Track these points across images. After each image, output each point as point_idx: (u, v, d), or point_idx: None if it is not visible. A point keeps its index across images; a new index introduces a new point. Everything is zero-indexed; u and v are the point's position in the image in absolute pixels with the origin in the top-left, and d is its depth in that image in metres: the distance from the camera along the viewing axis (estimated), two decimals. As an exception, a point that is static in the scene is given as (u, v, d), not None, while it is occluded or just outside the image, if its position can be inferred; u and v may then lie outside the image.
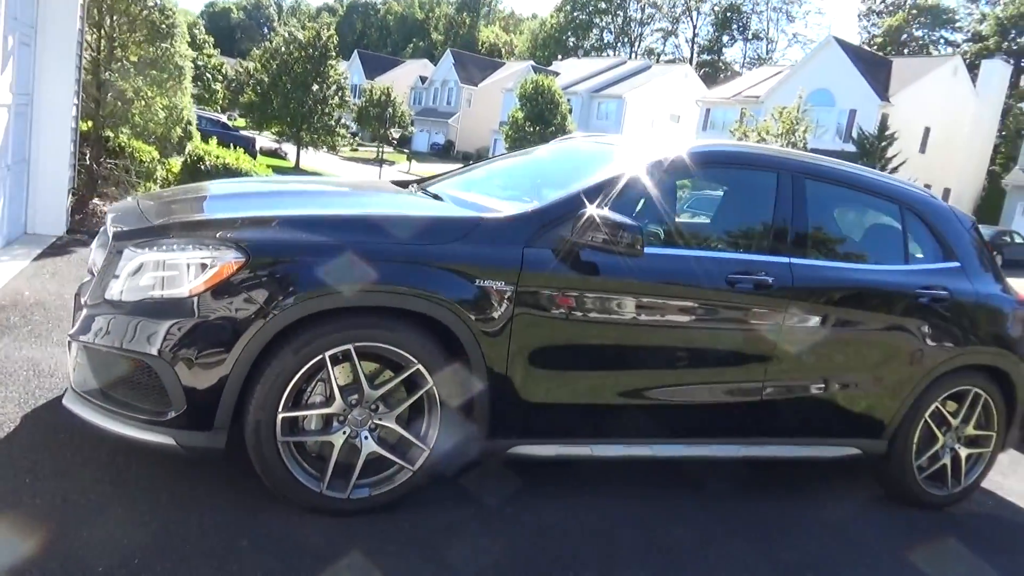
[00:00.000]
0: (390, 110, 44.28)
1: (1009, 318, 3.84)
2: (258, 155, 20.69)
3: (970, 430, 3.81)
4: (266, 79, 28.86)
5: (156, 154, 8.79)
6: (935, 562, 3.24)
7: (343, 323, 2.58)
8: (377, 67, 66.70)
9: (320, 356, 2.56)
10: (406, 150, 45.85)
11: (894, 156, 31.24)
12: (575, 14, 78.21)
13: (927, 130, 36.04)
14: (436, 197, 3.48)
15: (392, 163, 41.16)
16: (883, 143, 31.86)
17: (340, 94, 29.74)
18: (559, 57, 68.44)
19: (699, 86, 49.69)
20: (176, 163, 8.69)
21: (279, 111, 28.34)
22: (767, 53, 72.54)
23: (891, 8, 60.22)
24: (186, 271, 2.52)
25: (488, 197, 3.44)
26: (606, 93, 50.33)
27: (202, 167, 7.81)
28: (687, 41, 77.09)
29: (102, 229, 3.18)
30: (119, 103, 7.77)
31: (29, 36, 6.23)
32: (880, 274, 3.55)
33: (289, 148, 31.81)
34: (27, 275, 5.28)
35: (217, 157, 7.89)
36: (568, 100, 42.39)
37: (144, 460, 2.84)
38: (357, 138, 39.05)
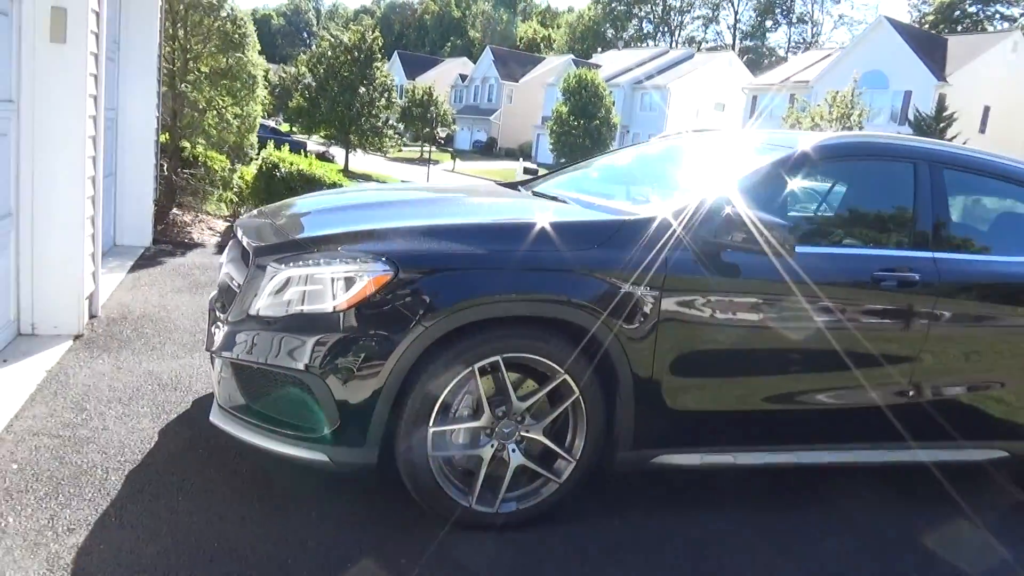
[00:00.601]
0: (432, 109, 44.47)
1: None
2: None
3: (1121, 428, 3.59)
4: (314, 84, 29.18)
5: (228, 163, 8.90)
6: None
7: (491, 334, 2.52)
8: (417, 67, 67.10)
9: (469, 368, 2.50)
10: (450, 148, 46.00)
11: (954, 137, 30.22)
12: (613, 5, 77.59)
13: (987, 109, 34.81)
14: (554, 199, 3.40)
15: (437, 162, 41.36)
16: (941, 124, 30.87)
17: (387, 95, 29.92)
18: (599, 49, 67.92)
19: (744, 73, 48.82)
20: (249, 171, 8.78)
21: (327, 115, 28.65)
22: (812, 37, 70.93)
23: (942, -15, 58.30)
24: (333, 285, 2.48)
25: (609, 198, 3.35)
26: (649, 84, 49.73)
27: (277, 174, 7.87)
28: (729, 28, 75.89)
29: (231, 243, 3.18)
30: (194, 114, 7.87)
31: (114, 51, 6.33)
32: (1027, 266, 3.36)
33: (336, 151, 32.15)
34: (126, 287, 5.36)
35: (291, 164, 7.95)
36: (611, 92, 42.04)
37: (285, 475, 2.82)
38: (404, 138, 39.27)
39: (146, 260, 6.33)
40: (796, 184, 3.15)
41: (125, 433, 3.04)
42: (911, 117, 32.10)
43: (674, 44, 72.09)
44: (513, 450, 2.64)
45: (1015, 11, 55.20)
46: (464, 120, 58.11)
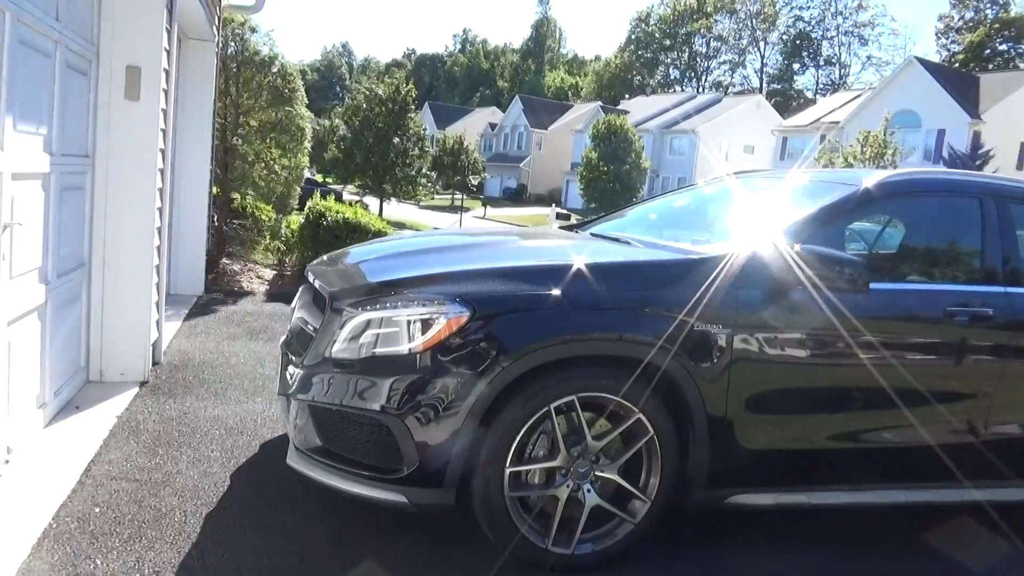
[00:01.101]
0: (463, 157, 45.19)
1: None
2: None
3: None
4: (349, 135, 29.91)
5: (274, 213, 9.11)
6: None
7: (567, 374, 2.54)
8: (447, 117, 68.49)
9: (546, 408, 2.52)
10: (481, 196, 46.58)
11: (994, 172, 29.87)
12: (639, 52, 78.73)
13: (1023, 145, 34.39)
14: (615, 240, 3.43)
15: (468, 209, 41.86)
16: (977, 161, 30.55)
17: (419, 145, 30.55)
18: (626, 96, 68.76)
19: (772, 115, 48.99)
20: (295, 220, 8.98)
21: (363, 164, 29.28)
22: (840, 78, 71.09)
23: (971, 24, 58.34)
24: (411, 328, 2.52)
25: (669, 239, 3.38)
26: (678, 128, 50.13)
27: (324, 223, 8.04)
28: (755, 71, 76.46)
29: (303, 288, 3.26)
30: (244, 166, 8.11)
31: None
32: (1100, 299, 3.30)
33: (369, 199, 32.78)
34: (184, 335, 5.48)
35: (337, 212, 8.12)
36: (640, 137, 42.40)
37: (357, 516, 2.83)
38: (436, 186, 39.89)
39: (200, 308, 6.47)
40: (862, 221, 3.15)
41: (198, 477, 3.09)
42: (945, 155, 31.84)
43: (701, 89, 72.75)
44: (588, 490, 2.63)
45: (1047, 48, 54.89)
46: (494, 168, 58.90)
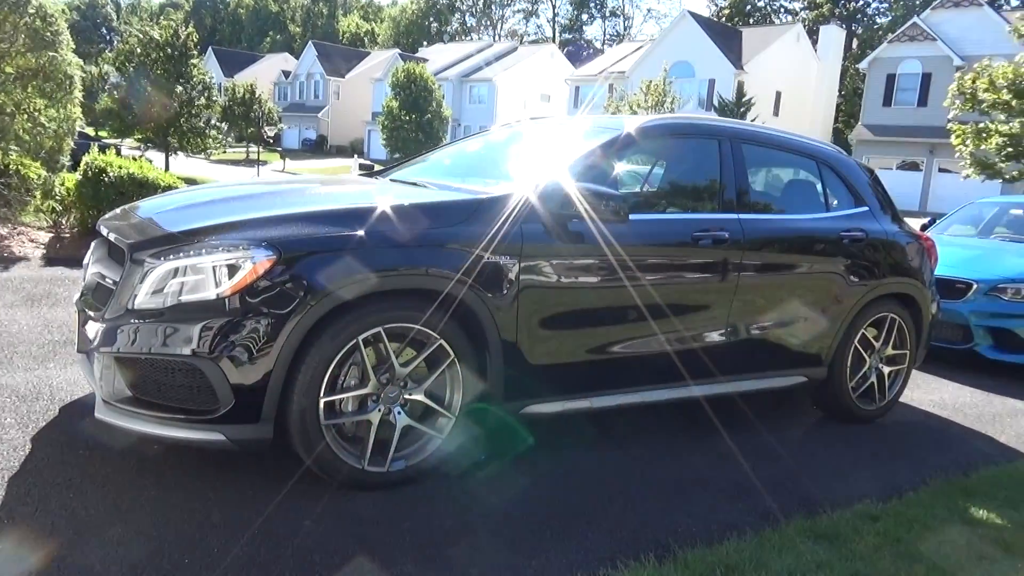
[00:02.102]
0: (256, 107, 42.72)
1: (910, 250, 4.45)
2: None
3: (889, 351, 4.41)
4: (124, 83, 27.16)
5: (43, 171, 8.30)
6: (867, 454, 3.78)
7: (373, 308, 2.75)
8: (235, 64, 64.03)
9: (354, 340, 2.72)
10: (278, 148, 44.41)
11: (753, 119, 33.36)
12: (436, -1, 77.93)
13: (778, 94, 38.67)
14: (413, 184, 3.66)
15: (266, 163, 39.87)
16: (741, 109, 33.98)
17: (207, 94, 28.46)
18: (424, 43, 68.06)
19: (566, 65, 50.86)
20: (71, 177, 8.23)
21: (142, 116, 26.79)
22: (625, 29, 75.11)
23: (735, -20, 63.61)
24: (217, 273, 2.61)
25: (463, 181, 3.66)
26: (476, 77, 50.63)
27: (105, 179, 7.47)
28: (548, 21, 78.56)
29: (96, 243, 3.17)
30: (4, 118, 7.30)
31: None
32: (811, 222, 4.06)
33: (154, 154, 30.16)
34: (-50, 306, 4.99)
35: (120, 168, 7.56)
36: (440, 86, 42.40)
37: (174, 460, 2.90)
38: (229, 139, 37.43)
39: (-35, 277, 5.87)
40: (625, 160, 3.61)
41: (-7, 445, 2.97)
42: (716, 103, 35.06)
43: (497, 38, 73.69)
44: (399, 412, 2.89)
45: (796, 5, 61.40)
46: (291, 118, 56.25)
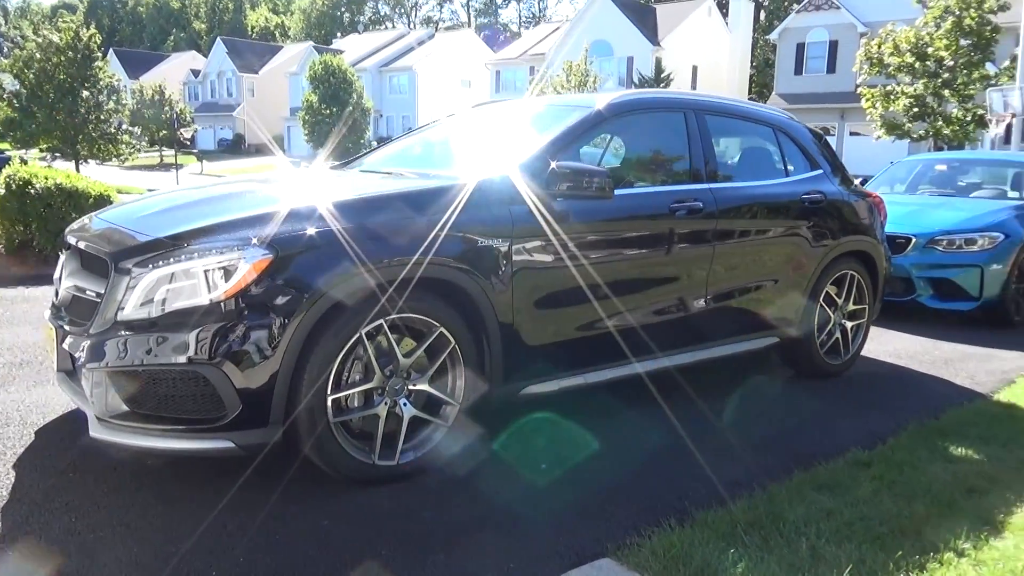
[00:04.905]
0: (167, 109, 41.14)
1: (863, 209, 4.65)
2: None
3: (851, 306, 4.61)
4: (24, 91, 25.67)
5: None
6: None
7: (373, 300, 2.70)
8: (139, 65, 61.46)
9: (358, 334, 2.68)
10: (195, 150, 42.84)
11: (673, 95, 33.97)
12: (346, -12, 76.32)
13: (695, 68, 39.54)
14: (388, 174, 3.61)
15: (182, 166, 38.45)
16: (661, 85, 34.61)
17: (115, 97, 27.18)
18: (338, 35, 66.70)
19: (484, 49, 50.73)
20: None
21: (47, 124, 25.40)
22: (540, 11, 75.22)
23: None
24: (211, 277, 2.52)
25: (439, 167, 3.62)
26: (395, 66, 49.99)
27: (31, 191, 7.07)
28: (462, 6, 78.01)
29: (67, 256, 3.02)
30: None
31: None
32: (774, 188, 4.19)
33: (60, 164, 28.69)
34: None
35: (47, 178, 7.16)
36: (359, 77, 41.69)
37: (166, 476, 2.81)
38: (143, 143, 35.91)
39: None
40: (601, 137, 3.64)
41: (-28, 476, 2.80)
42: (636, 80, 35.60)
43: (412, 25, 72.78)
44: (405, 404, 2.87)
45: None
46: (204, 118, 54.40)
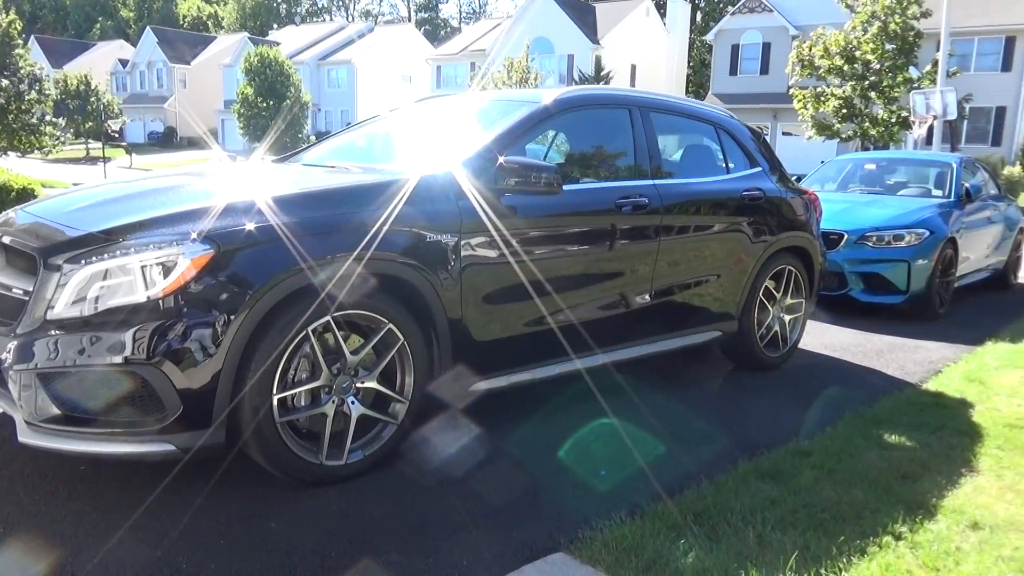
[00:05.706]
0: (93, 100, 39.56)
1: (800, 205, 4.78)
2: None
3: (788, 300, 4.74)
4: (-63, 79, 24.32)
5: None
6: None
7: (319, 296, 2.64)
8: (63, 53, 58.90)
9: (303, 332, 2.62)
10: (123, 143, 41.28)
11: (613, 93, 34.38)
12: (283, -21, 74.65)
13: (634, 67, 40.08)
14: (332, 168, 3.53)
15: (109, 159, 37.02)
16: (601, 82, 34.99)
17: (37, 87, 25.98)
18: (274, 26, 65.23)
19: (425, 45, 50.41)
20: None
21: (-38, 115, 24.14)
22: (480, 7, 75.07)
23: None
24: (149, 273, 2.42)
25: (383, 162, 3.57)
26: (334, 60, 49.18)
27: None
28: (403, 1, 77.22)
29: (-9, 251, 2.85)
30: None
31: None
32: (716, 184, 4.27)
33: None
34: None
35: (-37, 171, 6.81)
36: (296, 70, 40.87)
37: (104, 483, 2.69)
38: (68, 135, 34.41)
39: None
40: (546, 131, 3.64)
41: None
42: (576, 78, 35.88)
43: (351, 18, 71.72)
44: (353, 402, 2.81)
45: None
46: (133, 110, 52.47)
